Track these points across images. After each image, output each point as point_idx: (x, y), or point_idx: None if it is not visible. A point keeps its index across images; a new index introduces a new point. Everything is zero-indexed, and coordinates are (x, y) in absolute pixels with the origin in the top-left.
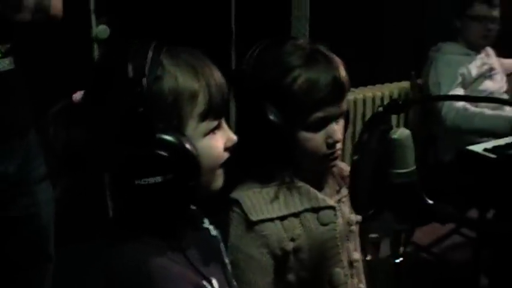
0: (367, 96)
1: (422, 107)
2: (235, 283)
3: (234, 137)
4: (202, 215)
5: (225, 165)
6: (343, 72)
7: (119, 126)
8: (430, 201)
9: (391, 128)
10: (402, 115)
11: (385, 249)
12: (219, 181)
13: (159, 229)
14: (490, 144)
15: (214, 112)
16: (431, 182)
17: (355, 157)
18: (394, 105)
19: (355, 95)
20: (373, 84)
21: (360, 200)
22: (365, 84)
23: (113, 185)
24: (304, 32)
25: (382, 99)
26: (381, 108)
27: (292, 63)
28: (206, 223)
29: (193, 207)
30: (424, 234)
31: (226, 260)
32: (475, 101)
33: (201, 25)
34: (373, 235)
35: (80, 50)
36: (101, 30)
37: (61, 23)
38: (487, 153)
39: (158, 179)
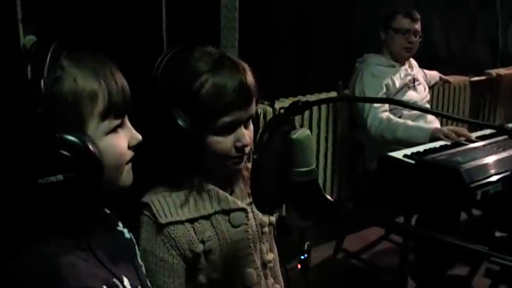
0: None
1: (350, 117)
2: (149, 284)
3: (138, 136)
4: (117, 218)
5: (136, 169)
6: (249, 78)
7: (18, 127)
8: (331, 199)
9: (294, 128)
10: (331, 124)
11: (316, 256)
12: (127, 177)
13: (66, 228)
14: (410, 150)
15: (115, 111)
16: (360, 190)
17: (255, 156)
18: (294, 107)
19: (286, 104)
20: (303, 94)
21: (261, 199)
22: (295, 94)
23: (17, 187)
24: (233, 42)
25: (310, 108)
26: (282, 110)
27: (199, 68)
28: (120, 226)
29: (107, 211)
30: (353, 241)
31: (140, 262)
32: (388, 102)
33: (132, 33)
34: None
35: (7, 61)
36: (29, 40)
37: None
38: (406, 159)
39: (60, 177)
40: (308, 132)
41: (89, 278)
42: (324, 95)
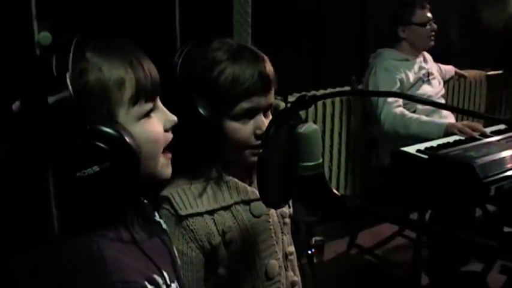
0: None
1: (364, 112)
2: (182, 276)
3: (173, 117)
4: (153, 209)
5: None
6: (268, 66)
7: (49, 124)
8: (338, 193)
9: (301, 122)
10: (344, 119)
11: (329, 251)
12: (165, 168)
13: (107, 220)
14: (423, 145)
15: (144, 95)
16: (373, 186)
17: (261, 151)
18: (301, 101)
19: None
20: (317, 89)
21: (268, 193)
22: (308, 89)
23: (57, 182)
24: (246, 37)
25: (324, 103)
26: (289, 105)
27: (218, 57)
28: (157, 217)
29: (145, 201)
30: (367, 237)
31: (176, 253)
32: (403, 98)
33: (146, 29)
34: (317, 238)
35: (22, 57)
36: (43, 36)
37: (3, 29)
38: (419, 154)
39: (96, 168)
40: (315, 126)
41: (131, 273)
42: (337, 90)
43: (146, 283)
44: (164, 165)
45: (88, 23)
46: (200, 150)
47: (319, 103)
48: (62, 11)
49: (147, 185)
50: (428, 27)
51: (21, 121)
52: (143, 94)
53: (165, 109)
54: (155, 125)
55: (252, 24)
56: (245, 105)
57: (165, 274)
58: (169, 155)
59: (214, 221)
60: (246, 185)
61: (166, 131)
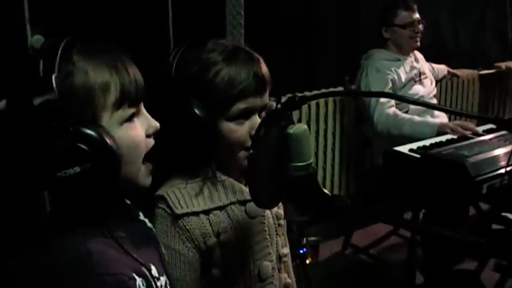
0: None
1: (357, 112)
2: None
3: (156, 123)
4: (138, 209)
5: (153, 160)
6: (263, 67)
7: (34, 124)
8: (328, 193)
9: (291, 123)
10: (338, 120)
11: (324, 251)
12: (145, 177)
13: (89, 219)
14: (415, 144)
15: (128, 100)
16: (367, 186)
17: (251, 151)
18: (291, 102)
19: None
20: (310, 90)
21: (259, 194)
22: (301, 90)
23: (40, 182)
24: (239, 39)
25: (317, 104)
26: (279, 105)
27: (213, 58)
28: (141, 216)
29: (128, 202)
30: (362, 236)
31: (163, 250)
32: (394, 98)
33: (139, 31)
34: (311, 238)
35: (15, 61)
36: (36, 40)
37: None
38: (411, 154)
39: (77, 169)
40: (305, 126)
41: (119, 265)
42: (328, 91)
43: (134, 275)
44: (144, 175)
45: (81, 26)
46: (196, 151)
47: (313, 104)
48: (55, 15)
49: (128, 191)
50: (411, 28)
51: (5, 120)
52: (127, 99)
53: (148, 115)
54: (137, 130)
55: (245, 26)
56: (241, 105)
57: (153, 267)
58: (151, 166)
59: (209, 221)
60: (242, 185)
61: (148, 136)
